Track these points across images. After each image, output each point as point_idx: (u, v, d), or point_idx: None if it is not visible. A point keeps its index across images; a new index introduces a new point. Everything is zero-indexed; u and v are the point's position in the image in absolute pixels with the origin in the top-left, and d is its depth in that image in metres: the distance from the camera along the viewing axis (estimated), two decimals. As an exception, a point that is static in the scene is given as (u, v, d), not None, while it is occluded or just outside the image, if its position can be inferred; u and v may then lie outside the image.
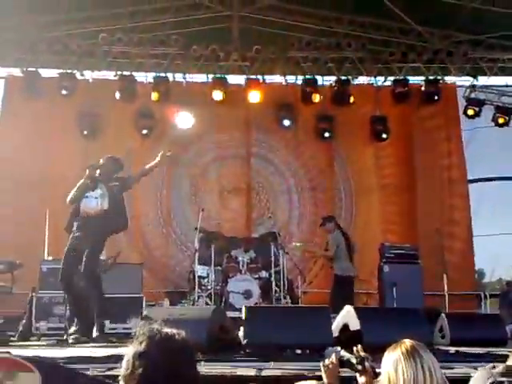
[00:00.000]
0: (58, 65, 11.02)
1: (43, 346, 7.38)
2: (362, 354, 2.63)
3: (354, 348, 2.62)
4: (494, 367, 2.37)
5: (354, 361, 2.61)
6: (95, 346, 6.63)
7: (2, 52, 10.72)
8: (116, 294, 8.07)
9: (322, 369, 2.65)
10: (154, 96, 10.76)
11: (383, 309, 7.74)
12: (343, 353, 2.75)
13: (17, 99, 11.09)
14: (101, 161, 6.48)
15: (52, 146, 10.72)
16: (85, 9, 10.39)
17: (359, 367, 2.59)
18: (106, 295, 8.03)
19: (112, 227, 6.46)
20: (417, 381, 2.30)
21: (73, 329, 6.34)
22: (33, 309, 8.38)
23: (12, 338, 8.01)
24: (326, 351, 2.99)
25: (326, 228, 8.77)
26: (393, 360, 2.43)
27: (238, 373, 4.42)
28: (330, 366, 2.65)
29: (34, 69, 10.91)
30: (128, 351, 1.73)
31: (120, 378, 1.73)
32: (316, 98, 10.94)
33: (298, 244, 9.22)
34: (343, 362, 2.65)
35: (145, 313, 5.75)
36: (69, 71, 10.88)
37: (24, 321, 8.38)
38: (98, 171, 6.37)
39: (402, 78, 11.28)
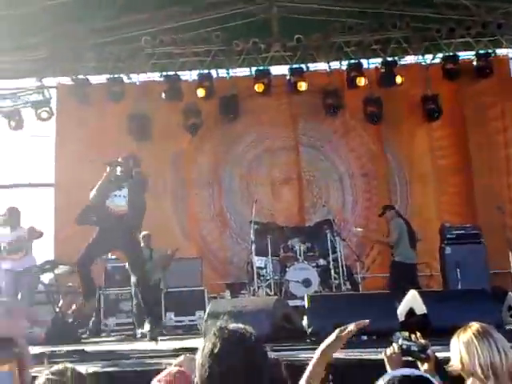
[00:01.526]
0: (106, 71, 11.26)
1: (113, 341, 7.66)
2: (423, 341, 2.62)
3: (413, 336, 2.61)
4: None
5: (415, 349, 2.60)
6: (163, 340, 6.82)
7: (51, 62, 11.00)
8: (178, 288, 8.29)
9: (385, 359, 2.64)
10: (200, 93, 10.82)
11: (448, 291, 7.59)
12: (403, 341, 2.70)
13: (69, 107, 11.43)
14: (119, 159, 6.54)
15: (105, 150, 10.94)
16: (126, 14, 10.56)
17: (422, 355, 2.58)
18: (170, 290, 8.29)
19: (138, 223, 6.65)
20: (493, 362, 2.29)
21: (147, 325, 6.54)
22: (101, 306, 8.70)
23: (83, 336, 8.34)
24: (393, 337, 2.93)
25: (385, 217, 8.67)
26: (465, 343, 2.41)
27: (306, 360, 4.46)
28: (393, 355, 2.63)
29: (83, 76, 11.20)
30: (200, 353, 1.74)
31: (196, 380, 1.73)
32: (362, 81, 10.77)
33: (359, 229, 9.16)
34: (405, 351, 2.62)
35: (210, 306, 5.84)
36: (116, 76, 11.12)
37: (93, 318, 8.71)
38: (119, 169, 6.46)
39: (451, 54, 10.95)
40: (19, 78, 11.63)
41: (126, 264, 7.16)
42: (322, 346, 2.22)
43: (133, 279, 6.84)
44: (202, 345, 1.76)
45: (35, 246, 8.44)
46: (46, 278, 9.05)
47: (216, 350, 1.70)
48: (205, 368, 1.69)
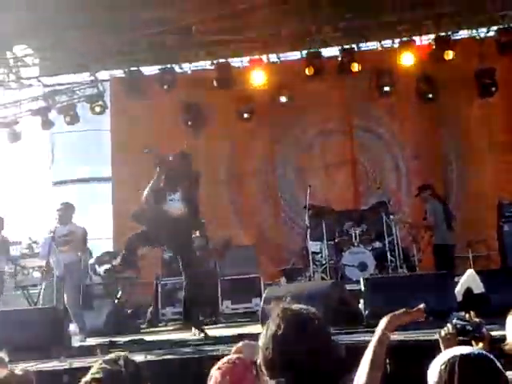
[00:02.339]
0: (158, 61, 11.54)
1: (171, 330, 7.98)
2: (477, 320, 2.64)
3: (467, 315, 2.67)
4: None
5: (469, 328, 2.62)
6: (221, 327, 7.08)
7: (104, 55, 11.37)
8: (233, 276, 8.51)
9: (440, 340, 2.65)
10: (260, 78, 10.89)
11: (506, 269, 7.55)
12: (457, 321, 2.74)
13: (122, 99, 11.85)
14: (170, 157, 6.48)
15: (162, 141, 11.24)
16: (175, 3, 10.74)
17: (476, 334, 2.60)
18: (226, 277, 8.54)
19: (192, 227, 6.72)
20: None
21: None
22: (158, 296, 9.04)
23: (142, 326, 8.74)
24: (451, 316, 3.00)
25: (421, 197, 8.70)
26: None
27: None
28: (448, 335, 2.64)
29: (135, 68, 11.54)
30: (264, 335, 1.74)
31: (259, 363, 1.75)
32: (413, 59, 10.65)
33: (395, 216, 9.09)
34: (459, 331, 2.64)
35: (266, 292, 6.03)
36: (168, 66, 11.40)
37: (151, 308, 9.07)
38: (170, 167, 6.38)
39: (506, 26, 10.67)
40: (73, 72, 12.03)
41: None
42: (372, 341, 2.16)
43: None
44: (266, 327, 1.77)
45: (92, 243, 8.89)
46: (103, 269, 9.49)
47: (280, 332, 1.70)
48: (268, 350, 1.69)
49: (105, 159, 12.38)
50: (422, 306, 2.26)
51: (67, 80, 12.24)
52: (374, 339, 2.12)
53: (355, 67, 10.74)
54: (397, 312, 2.20)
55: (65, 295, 7.40)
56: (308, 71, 10.85)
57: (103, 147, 12.47)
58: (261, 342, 1.74)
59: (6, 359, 2.92)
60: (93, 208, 11.85)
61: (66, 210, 7.75)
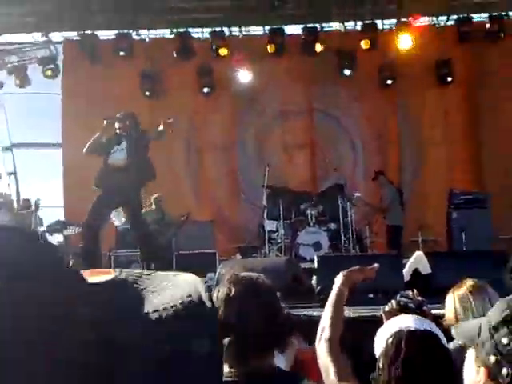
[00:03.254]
0: (114, 25, 11.52)
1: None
2: (419, 298, 2.77)
3: (410, 293, 2.76)
4: None
5: (412, 305, 2.77)
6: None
7: (58, 16, 11.21)
8: (190, 250, 8.77)
9: (384, 315, 2.78)
10: (222, 52, 11.10)
11: (452, 252, 8.17)
12: (400, 298, 3.05)
13: (76, 63, 11.75)
14: (118, 115, 6.94)
15: (116, 109, 11.31)
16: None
17: (418, 311, 2.74)
18: (181, 252, 8.81)
19: (141, 178, 6.98)
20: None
21: None
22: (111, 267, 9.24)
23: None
24: (398, 296, 3.31)
25: (378, 181, 9.48)
26: (460, 298, 2.77)
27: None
28: (391, 311, 2.76)
29: (90, 31, 11.45)
30: (215, 298, 1.80)
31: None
32: (367, 44, 11.03)
33: (357, 194, 9.72)
34: (402, 307, 2.76)
35: (221, 266, 6.33)
36: (125, 31, 11.40)
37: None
38: (117, 125, 6.85)
39: (465, 15, 11.21)
40: (25, 32, 11.85)
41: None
42: (330, 298, 2.28)
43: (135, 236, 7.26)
44: (216, 291, 1.86)
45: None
46: (56, 238, 9.61)
47: (232, 294, 1.80)
48: (219, 312, 1.74)
49: (55, 124, 12.29)
50: (375, 265, 2.41)
51: (18, 39, 12.09)
52: (331, 296, 2.27)
53: (318, 47, 11.04)
54: (352, 268, 2.35)
55: None
56: (269, 48, 11.08)
57: (54, 112, 12.34)
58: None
59: None
60: (42, 175, 11.75)
61: None
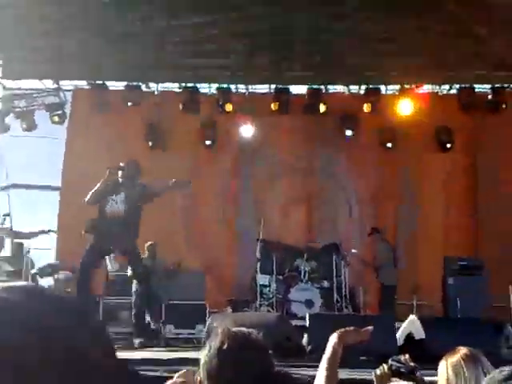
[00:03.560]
0: (124, 77, 11.73)
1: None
2: (412, 363, 2.74)
3: (403, 358, 2.74)
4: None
5: (404, 370, 2.74)
6: (161, 350, 7.14)
7: (69, 65, 11.42)
8: (179, 301, 8.57)
9: (375, 379, 2.79)
10: (228, 107, 11.24)
11: (447, 318, 7.95)
12: (392, 362, 2.90)
13: (84, 112, 11.87)
14: (121, 164, 6.91)
15: (118, 158, 11.30)
16: (148, 22, 10.94)
17: (410, 377, 2.72)
18: (171, 302, 8.60)
19: (137, 227, 6.89)
20: None
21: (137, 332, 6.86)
22: (99, 314, 8.98)
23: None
24: (390, 360, 3.15)
25: (373, 238, 9.36)
26: (453, 365, 2.63)
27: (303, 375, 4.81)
28: (382, 375, 2.76)
29: (100, 82, 11.67)
30: (207, 351, 1.78)
31: (199, 380, 1.78)
32: (369, 108, 11.15)
33: (354, 250, 9.61)
34: (394, 372, 2.76)
35: (211, 319, 6.14)
36: (134, 83, 11.59)
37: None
38: (120, 174, 6.82)
39: (467, 85, 11.36)
40: (36, 78, 12.06)
41: (128, 271, 7.51)
42: (325, 358, 2.24)
43: (134, 286, 7.14)
44: (208, 345, 1.82)
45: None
46: (46, 282, 9.39)
47: (225, 346, 1.76)
48: (213, 364, 1.73)
49: (54, 168, 12.26)
50: (370, 327, 2.39)
51: (29, 85, 12.23)
52: (325, 356, 2.23)
53: (322, 108, 11.17)
54: (347, 328, 2.33)
55: None
56: (273, 106, 11.21)
57: (54, 156, 12.33)
58: (204, 357, 1.79)
59: None
60: (36, 216, 11.59)
61: None
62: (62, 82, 12.05)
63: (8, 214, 8.55)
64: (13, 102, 11.78)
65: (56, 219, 11.56)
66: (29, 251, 8.67)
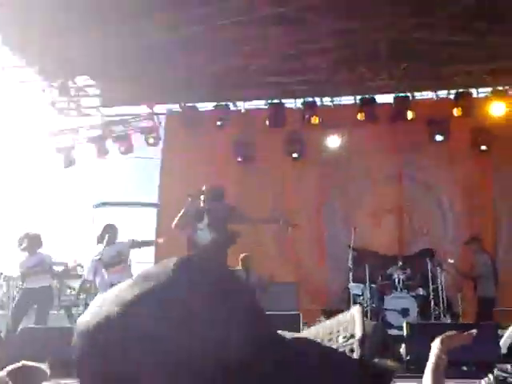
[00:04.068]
0: (212, 98, 12.00)
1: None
2: None
3: (509, 367, 2.60)
4: None
5: (511, 380, 2.66)
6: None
7: (162, 90, 11.81)
8: (272, 311, 8.48)
9: None
10: (314, 120, 11.18)
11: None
12: (498, 372, 2.70)
13: (176, 133, 12.29)
14: (203, 189, 6.79)
15: (211, 176, 11.46)
16: (234, 44, 11.09)
17: None
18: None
19: (225, 250, 6.72)
20: None
21: None
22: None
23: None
24: (496, 370, 2.96)
25: (470, 247, 8.75)
26: None
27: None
28: None
29: (191, 104, 12.01)
30: None
31: None
32: (460, 112, 10.64)
33: (451, 260, 9.08)
34: (500, 382, 2.68)
35: (305, 329, 6.04)
36: (223, 103, 11.83)
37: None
38: (202, 199, 6.71)
39: None
40: (130, 104, 12.63)
41: None
42: (429, 367, 2.13)
43: None
44: None
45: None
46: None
47: None
48: None
49: (148, 186, 12.73)
50: (473, 331, 2.25)
51: (124, 111, 12.81)
52: (429, 366, 2.11)
53: (409, 115, 10.86)
54: (448, 333, 2.21)
55: None
56: (359, 116, 11.02)
57: (148, 174, 12.83)
58: None
59: (48, 372, 3.00)
60: (132, 232, 12.06)
61: (113, 231, 7.99)
62: (155, 107, 12.50)
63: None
64: (110, 127, 12.39)
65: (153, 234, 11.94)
66: (130, 265, 8.93)
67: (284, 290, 9.10)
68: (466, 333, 2.24)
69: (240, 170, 11.57)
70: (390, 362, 0.83)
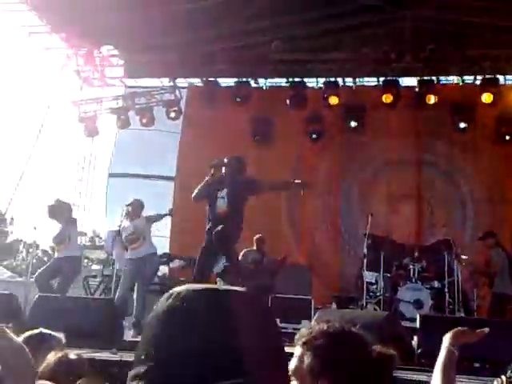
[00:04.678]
0: (234, 74, 11.78)
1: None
2: None
3: None
4: None
5: None
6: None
7: (184, 63, 11.65)
8: (285, 294, 8.42)
9: None
10: (333, 101, 10.89)
11: None
12: (511, 374, 2.60)
13: (197, 108, 12.09)
14: (225, 160, 6.72)
15: (226, 153, 11.32)
16: (258, 18, 10.90)
17: None
18: (277, 295, 8.47)
19: (239, 226, 6.66)
20: None
21: None
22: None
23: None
24: (510, 370, 2.84)
25: (486, 243, 8.43)
26: None
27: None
28: None
29: (213, 78, 11.80)
30: (300, 347, 1.63)
31: (291, 373, 1.61)
32: (494, 98, 10.30)
33: (464, 257, 8.81)
34: None
35: (317, 315, 5.93)
36: (244, 79, 11.59)
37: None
38: (223, 170, 6.63)
39: None
40: (154, 77, 12.49)
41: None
42: (440, 361, 2.08)
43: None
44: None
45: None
46: (161, 270, 9.59)
47: (318, 343, 1.60)
48: (301, 361, 1.59)
49: (165, 159, 12.62)
50: (486, 329, 2.18)
51: (147, 83, 12.69)
52: (440, 359, 2.05)
53: (431, 99, 10.52)
54: (460, 328, 2.15)
55: (135, 288, 7.47)
56: (385, 99, 10.68)
57: (165, 147, 12.71)
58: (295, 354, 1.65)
59: (64, 341, 3.03)
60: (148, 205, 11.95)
61: (137, 207, 7.89)
62: (177, 80, 12.32)
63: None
64: (133, 99, 12.28)
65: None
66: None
67: (298, 274, 9.00)
68: (478, 330, 2.18)
69: (257, 148, 11.39)
70: None
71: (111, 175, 12.96)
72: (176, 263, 10.13)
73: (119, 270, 8.11)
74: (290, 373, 1.55)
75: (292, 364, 1.55)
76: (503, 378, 2.65)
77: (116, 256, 7.76)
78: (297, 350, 1.57)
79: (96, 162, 13.11)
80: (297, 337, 1.60)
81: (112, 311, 6.41)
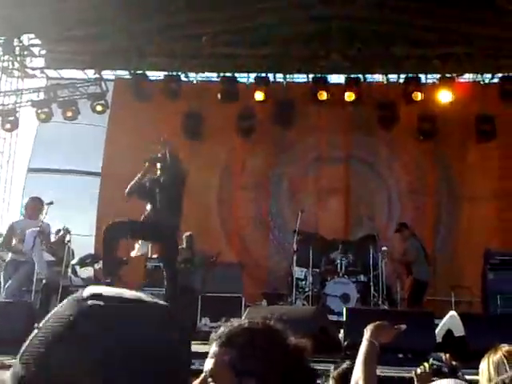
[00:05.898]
0: (164, 67, 11.65)
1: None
2: (453, 362, 2.71)
3: (444, 357, 2.69)
4: None
5: (445, 370, 2.70)
6: (197, 343, 7.06)
7: (111, 56, 11.45)
8: (216, 293, 8.45)
9: (415, 378, 2.74)
10: (259, 96, 11.02)
11: (488, 315, 7.65)
12: (433, 361, 2.78)
13: (124, 101, 11.87)
14: (159, 155, 6.65)
15: (156, 148, 11.28)
16: (187, 13, 10.87)
17: (451, 377, 2.63)
18: (207, 294, 8.51)
19: (178, 217, 6.68)
20: None
21: None
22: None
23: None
24: (431, 359, 3.04)
25: (401, 234, 8.98)
26: (494, 363, 2.52)
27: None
28: (423, 374, 2.72)
29: (141, 71, 11.61)
30: (217, 347, 1.57)
31: (208, 374, 1.58)
32: (418, 96, 10.83)
33: (384, 248, 9.24)
34: (435, 371, 2.70)
35: (247, 312, 6.06)
36: (174, 73, 11.49)
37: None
38: (158, 166, 6.59)
39: (510, 74, 10.92)
40: (78, 68, 12.11)
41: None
42: (361, 352, 2.16)
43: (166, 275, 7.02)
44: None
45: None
46: (85, 272, 9.41)
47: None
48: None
49: (89, 154, 12.31)
50: (403, 326, 2.31)
51: (71, 75, 12.34)
52: (361, 350, 2.14)
53: (352, 96, 10.86)
54: (379, 322, 2.26)
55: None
56: (319, 96, 10.93)
57: (90, 142, 12.37)
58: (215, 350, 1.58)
59: None
60: (71, 202, 11.56)
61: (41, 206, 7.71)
62: (103, 72, 12.05)
63: (51, 203, 8.46)
64: (56, 91, 11.90)
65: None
66: (70, 240, 8.65)
67: (229, 272, 8.96)
68: (396, 326, 2.30)
69: (188, 145, 11.34)
70: None
71: (30, 170, 12.51)
72: (101, 264, 9.94)
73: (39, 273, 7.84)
74: (205, 374, 1.52)
75: (209, 364, 1.49)
76: (426, 365, 2.81)
77: (35, 257, 7.52)
78: (213, 349, 1.51)
79: (16, 157, 12.66)
80: (213, 336, 1.53)
81: (29, 314, 6.21)
